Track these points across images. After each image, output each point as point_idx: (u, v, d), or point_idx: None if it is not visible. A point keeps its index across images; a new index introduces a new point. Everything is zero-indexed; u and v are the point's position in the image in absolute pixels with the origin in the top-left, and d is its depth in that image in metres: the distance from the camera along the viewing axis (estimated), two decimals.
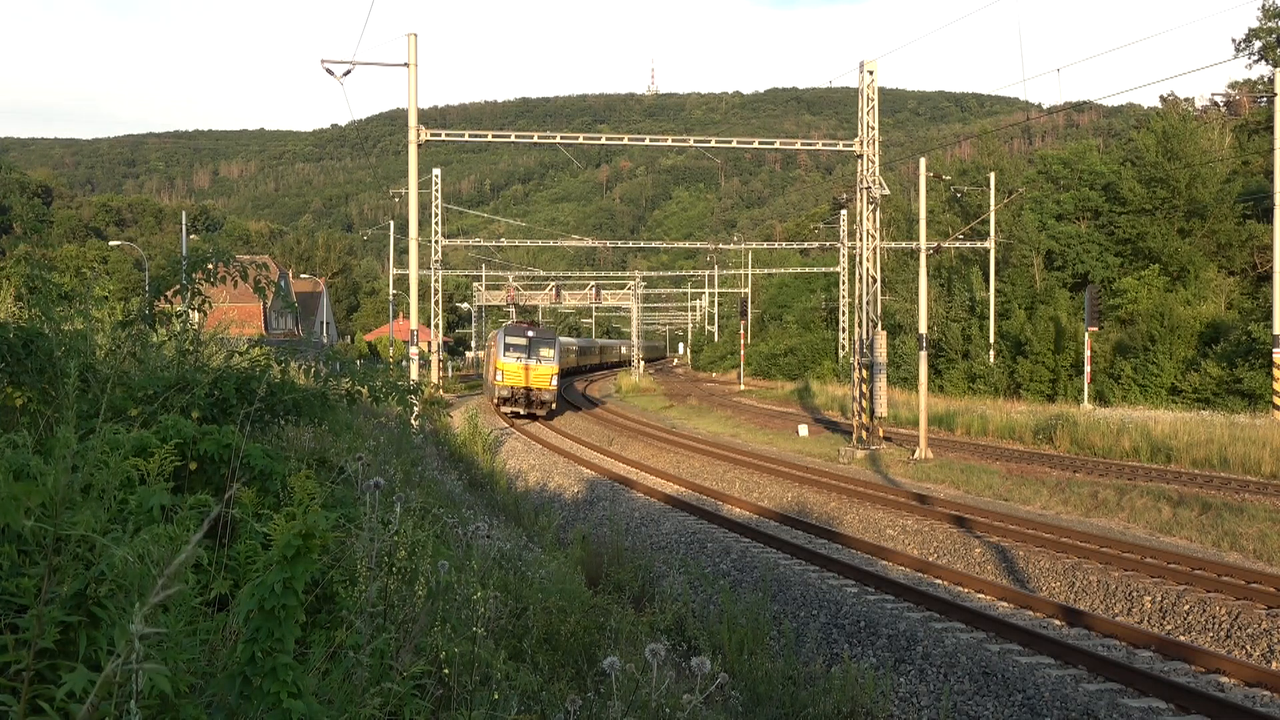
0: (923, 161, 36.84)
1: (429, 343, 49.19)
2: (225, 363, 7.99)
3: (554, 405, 47.63)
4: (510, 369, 46.29)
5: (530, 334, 47.10)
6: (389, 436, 16.38)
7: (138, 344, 7.60)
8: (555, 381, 47.12)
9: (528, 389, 46.01)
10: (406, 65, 31.54)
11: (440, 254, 63.70)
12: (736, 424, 43.41)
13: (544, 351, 46.52)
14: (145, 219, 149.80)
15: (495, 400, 46.87)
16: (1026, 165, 77.21)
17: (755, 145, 39.17)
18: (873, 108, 32.26)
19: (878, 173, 32.69)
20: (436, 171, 64.33)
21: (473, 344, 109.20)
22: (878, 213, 33.31)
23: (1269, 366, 35.64)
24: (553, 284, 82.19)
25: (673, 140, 42.58)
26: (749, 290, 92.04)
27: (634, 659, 5.60)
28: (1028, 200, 62.43)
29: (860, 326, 33.07)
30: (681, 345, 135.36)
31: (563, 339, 72.77)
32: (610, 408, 54.43)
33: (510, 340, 46.86)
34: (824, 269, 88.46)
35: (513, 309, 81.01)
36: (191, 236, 74.45)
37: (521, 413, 45.69)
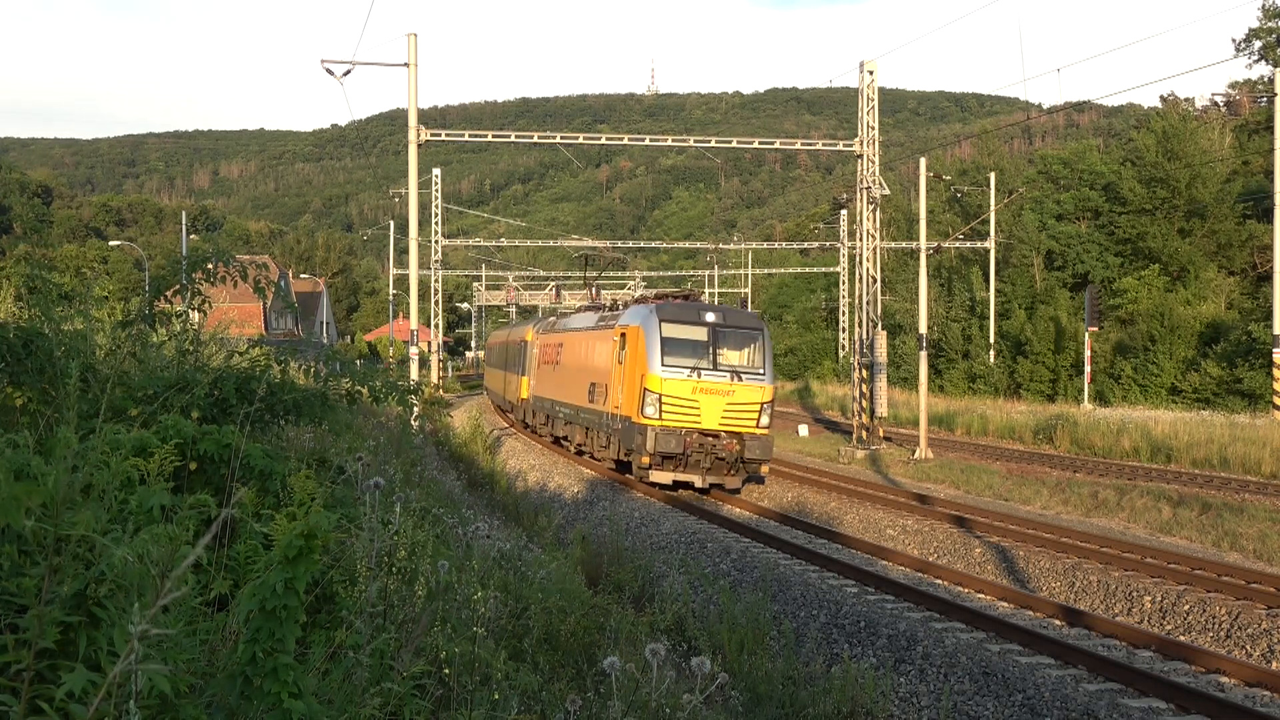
0: (923, 161, 36.86)
1: (429, 343, 49.15)
2: (225, 363, 8.00)
3: (765, 464, 22.96)
4: (679, 395, 22.22)
5: (712, 317, 23.20)
6: (389, 436, 16.38)
7: (138, 344, 7.60)
8: (768, 417, 22.90)
9: (714, 434, 22.23)
10: (406, 65, 31.54)
11: (440, 254, 63.73)
12: None
13: (742, 354, 22.97)
14: (145, 219, 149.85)
15: (643, 455, 22.26)
16: (1026, 165, 77.29)
17: (755, 145, 39.17)
18: (873, 108, 32.26)
19: (878, 173, 32.69)
20: (436, 171, 64.35)
21: (473, 344, 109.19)
22: (878, 213, 33.31)
23: (1269, 366, 35.65)
24: (553, 284, 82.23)
25: (673, 140, 42.59)
26: (749, 290, 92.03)
27: (634, 659, 5.61)
28: (1028, 200, 62.47)
29: (860, 326, 33.07)
30: None
31: None
32: None
33: (675, 331, 22.83)
34: (824, 269, 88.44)
35: (513, 309, 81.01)
36: (191, 236, 74.49)
37: (698, 484, 22.69)
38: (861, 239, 33.11)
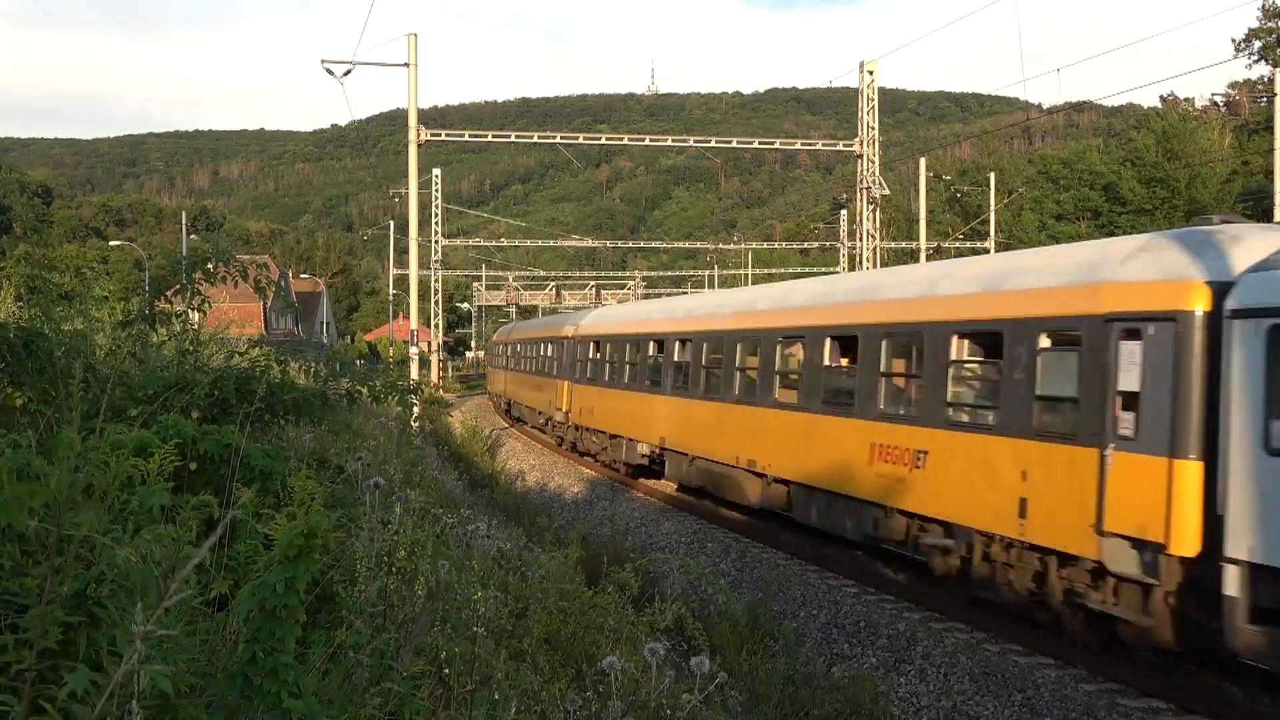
0: (923, 161, 36.95)
1: (429, 343, 49.19)
2: (225, 363, 8.01)
3: None
4: None
5: None
6: (389, 436, 16.40)
7: (138, 344, 7.61)
8: None
9: None
10: (406, 65, 31.56)
11: (440, 254, 63.77)
12: None
13: None
14: (145, 219, 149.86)
15: None
16: (1026, 165, 77.39)
17: (755, 145, 39.23)
18: (873, 108, 32.29)
19: (878, 173, 32.73)
20: (436, 171, 64.38)
21: (473, 344, 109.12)
22: (878, 213, 33.34)
23: None
24: (553, 284, 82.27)
25: (673, 140, 42.72)
26: None
27: (634, 659, 5.61)
28: (1028, 200, 62.56)
29: None
30: None
31: None
32: None
33: None
34: (824, 269, 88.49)
35: (513, 309, 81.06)
36: (191, 236, 74.55)
37: None
38: (861, 239, 33.13)
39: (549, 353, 31.90)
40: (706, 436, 19.11)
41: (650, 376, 22.21)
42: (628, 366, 23.68)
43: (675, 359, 20.83)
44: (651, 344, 22.47)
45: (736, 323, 18.56)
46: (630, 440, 23.28)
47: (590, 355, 26.71)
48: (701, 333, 19.91)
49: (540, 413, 33.23)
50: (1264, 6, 58.45)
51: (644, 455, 22.56)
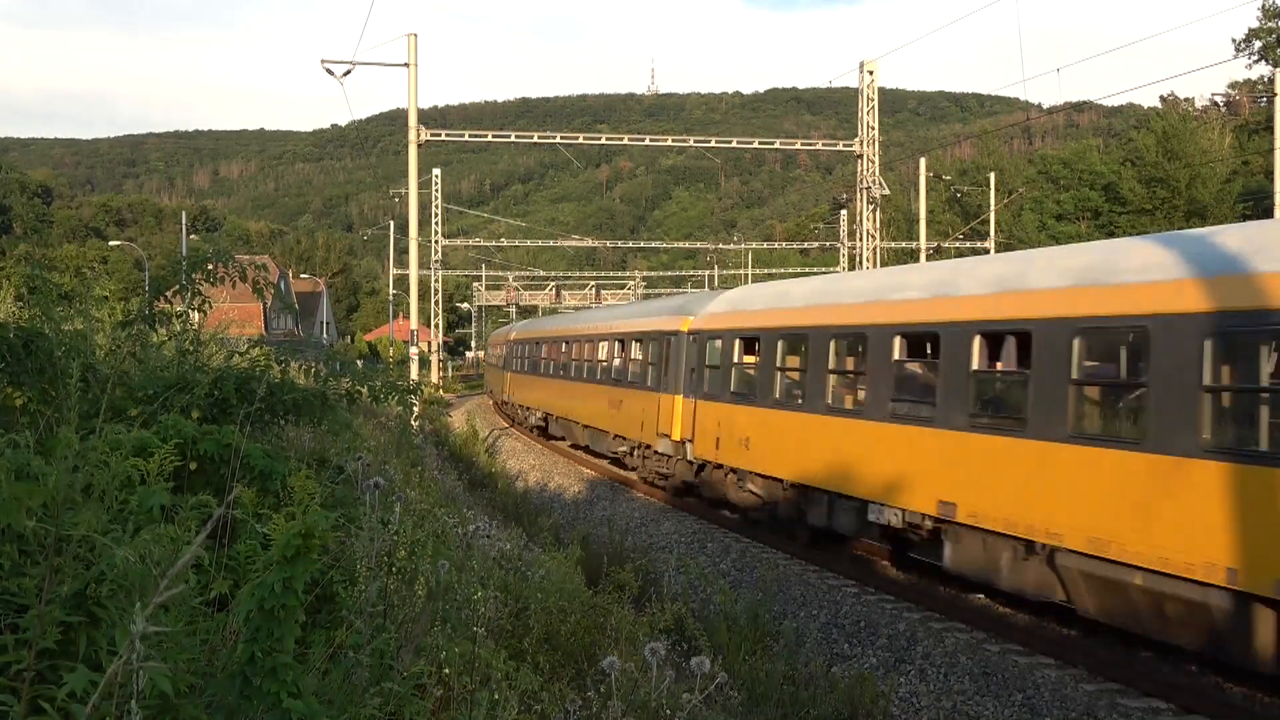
0: (923, 161, 36.97)
1: (429, 343, 49.19)
2: (225, 363, 8.01)
3: None
4: None
5: None
6: (389, 436, 16.40)
7: (138, 344, 7.60)
8: None
9: None
10: (406, 65, 31.56)
11: (440, 254, 63.78)
12: None
13: None
14: (145, 219, 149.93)
15: None
16: (1026, 165, 77.45)
17: (755, 145, 39.24)
18: (873, 108, 32.30)
19: (878, 173, 32.74)
20: (436, 171, 64.40)
21: (473, 344, 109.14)
22: (878, 213, 33.35)
23: None
24: (553, 284, 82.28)
25: (673, 140, 42.72)
26: None
27: (634, 659, 5.61)
28: (1028, 200, 62.59)
29: None
30: None
31: None
32: None
33: None
34: (824, 269, 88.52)
35: (513, 309, 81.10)
36: (191, 236, 74.57)
37: None
38: (861, 239, 33.15)
39: (633, 354, 24.23)
40: (1093, 512, 9.97)
41: (898, 395, 13.43)
42: (833, 378, 15.18)
43: (974, 367, 11.92)
44: (898, 341, 13.49)
45: (1186, 299, 9.12)
46: (844, 497, 14.48)
47: (733, 359, 18.51)
48: (1072, 321, 10.41)
49: (617, 436, 24.82)
50: (1264, 6, 58.52)
51: (883, 522, 13.62)
